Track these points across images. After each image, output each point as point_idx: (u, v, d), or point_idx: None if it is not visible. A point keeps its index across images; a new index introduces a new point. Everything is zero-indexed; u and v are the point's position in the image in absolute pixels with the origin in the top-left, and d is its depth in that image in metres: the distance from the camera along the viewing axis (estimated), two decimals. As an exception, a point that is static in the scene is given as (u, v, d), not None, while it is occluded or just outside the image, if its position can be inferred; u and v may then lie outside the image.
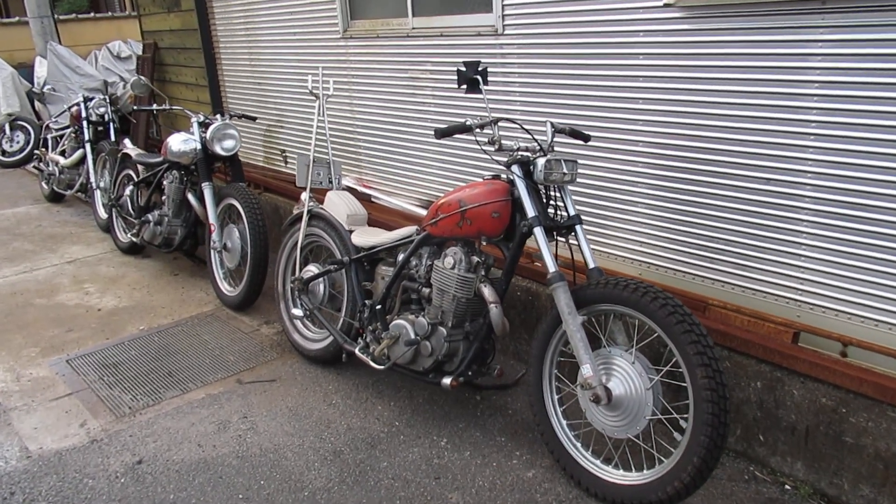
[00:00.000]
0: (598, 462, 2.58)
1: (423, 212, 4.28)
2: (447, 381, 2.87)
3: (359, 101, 4.61)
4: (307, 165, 3.66)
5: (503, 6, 3.47)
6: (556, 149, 2.80)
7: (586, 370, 2.42)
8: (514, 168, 2.65)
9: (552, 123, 2.78)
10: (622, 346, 2.50)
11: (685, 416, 2.32)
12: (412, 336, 2.94)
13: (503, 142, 2.67)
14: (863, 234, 2.48)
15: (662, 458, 2.39)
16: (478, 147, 3.82)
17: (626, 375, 2.42)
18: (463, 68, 2.69)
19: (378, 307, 3.06)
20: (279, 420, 3.18)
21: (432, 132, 4.10)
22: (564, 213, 2.72)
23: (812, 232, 2.61)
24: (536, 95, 3.46)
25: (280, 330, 4.12)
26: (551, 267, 2.54)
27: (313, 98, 3.74)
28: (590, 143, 2.98)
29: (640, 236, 3.19)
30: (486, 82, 2.73)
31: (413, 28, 4.04)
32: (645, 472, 2.43)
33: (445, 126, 2.61)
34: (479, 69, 2.70)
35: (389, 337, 2.99)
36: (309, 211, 3.60)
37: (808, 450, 2.55)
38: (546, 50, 3.35)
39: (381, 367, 3.07)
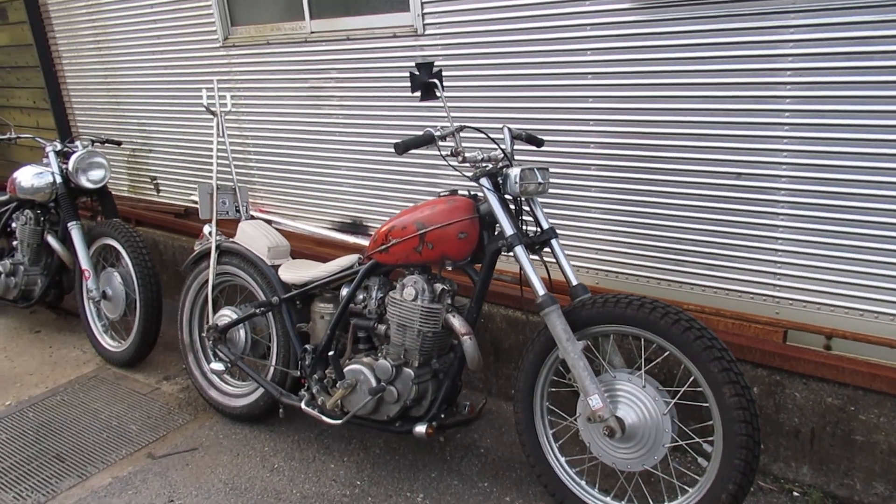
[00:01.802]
0: (608, 500, 2.33)
1: (339, 235, 3.87)
2: (420, 428, 2.51)
3: (248, 116, 4.11)
4: (210, 194, 3.15)
5: (422, 4, 3.15)
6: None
7: (595, 402, 2.16)
8: (484, 181, 2.34)
9: (509, 129, 2.50)
10: (625, 370, 2.27)
11: (709, 439, 2.12)
12: (374, 383, 2.55)
13: (466, 153, 2.35)
14: (844, 224, 2.41)
15: (687, 488, 2.18)
16: (401, 160, 3.52)
17: (638, 401, 2.18)
18: (416, 72, 2.34)
19: (330, 353, 2.63)
20: (215, 499, 2.67)
21: (342, 147, 3.73)
22: (534, 228, 2.46)
23: (789, 225, 2.51)
24: (467, 100, 3.17)
25: (186, 385, 3.56)
26: (540, 290, 2.26)
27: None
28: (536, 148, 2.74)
29: (595, 243, 2.99)
30: (442, 87, 2.40)
31: (312, 32, 3.62)
32: (667, 504, 2.21)
33: (405, 139, 2.25)
34: (434, 71, 2.36)
35: (345, 386, 2.58)
36: (218, 246, 3.09)
37: (813, 452, 2.44)
38: (477, 50, 3.07)
39: (337, 421, 2.65)
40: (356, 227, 3.85)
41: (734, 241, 2.64)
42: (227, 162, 3.27)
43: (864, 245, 2.38)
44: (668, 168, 2.72)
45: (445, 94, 2.39)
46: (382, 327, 2.62)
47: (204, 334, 3.15)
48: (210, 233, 3.19)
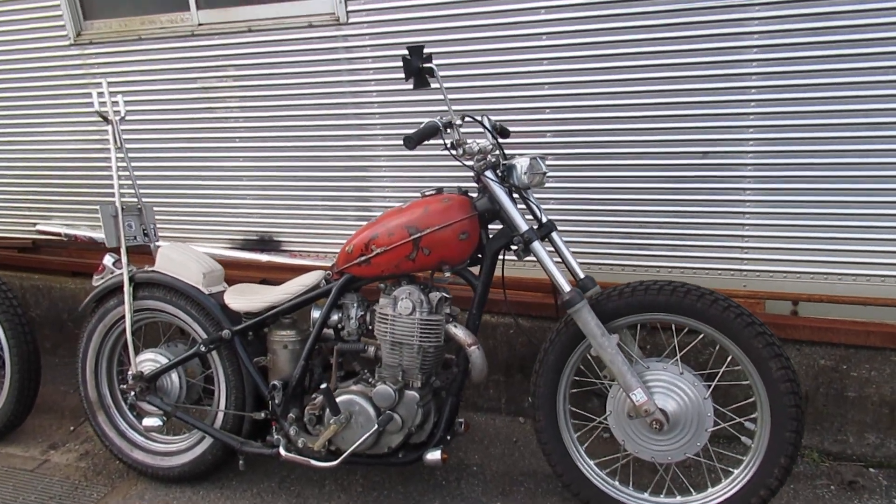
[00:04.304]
0: (645, 496, 2.23)
1: (245, 255, 3.43)
2: (434, 455, 2.26)
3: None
4: (114, 216, 2.61)
5: (346, -12, 2.86)
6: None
7: (639, 396, 2.06)
8: (489, 174, 2.15)
9: (488, 119, 2.33)
10: (655, 359, 2.19)
11: (752, 417, 2.11)
12: (372, 413, 2.25)
13: (466, 145, 2.14)
14: (808, 193, 2.53)
15: (730, 469, 2.15)
16: (321, 165, 3.17)
17: (677, 389, 2.11)
18: (408, 56, 2.08)
19: (322, 385, 2.26)
20: (187, 582, 2.21)
21: (244, 155, 3.31)
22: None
23: (755, 199, 2.60)
24: (400, 94, 2.93)
25: (85, 452, 2.95)
26: (565, 286, 2.12)
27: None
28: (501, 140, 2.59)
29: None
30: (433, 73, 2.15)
31: (200, 24, 3.16)
32: (711, 490, 2.16)
33: (414, 132, 2.00)
34: (425, 55, 2.11)
35: (339, 421, 2.25)
36: (132, 278, 2.57)
37: (807, 415, 2.54)
38: (412, 38, 2.84)
39: (330, 463, 2.30)
40: (265, 244, 3.43)
41: (701, 219, 2.68)
42: (130, 175, 2.72)
43: (827, 212, 2.52)
44: (631, 152, 2.70)
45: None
46: (372, 349, 2.32)
47: (125, 386, 2.61)
48: (115, 263, 2.66)
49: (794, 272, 2.61)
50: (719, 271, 2.71)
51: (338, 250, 3.23)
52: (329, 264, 3.03)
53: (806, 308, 2.62)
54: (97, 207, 3.61)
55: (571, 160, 2.77)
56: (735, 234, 2.65)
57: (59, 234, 3.84)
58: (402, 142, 2.89)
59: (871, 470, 2.46)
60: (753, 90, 2.48)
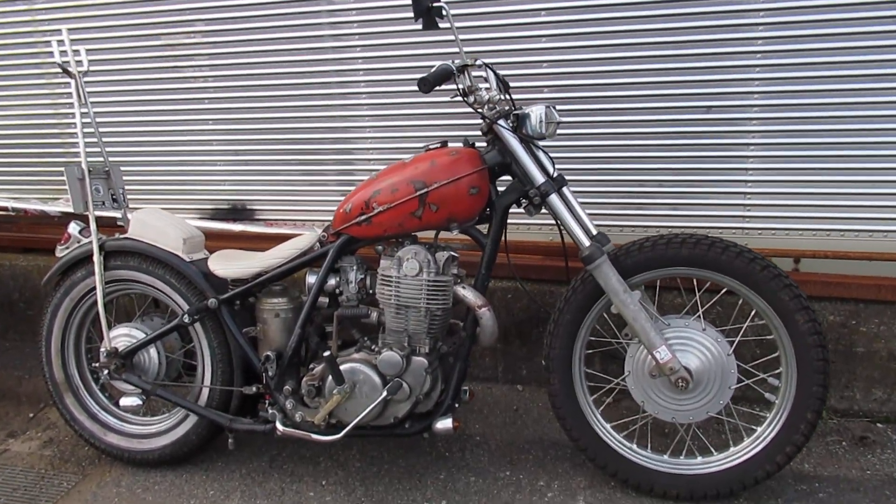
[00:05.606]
0: (665, 458, 2.15)
1: (216, 224, 3.21)
2: (444, 423, 2.15)
3: (68, 89, 3.23)
4: (80, 179, 2.38)
5: (328, -66, 2.67)
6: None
7: (663, 354, 1.98)
8: (503, 123, 2.02)
9: (490, 67, 2.19)
10: (675, 316, 2.10)
11: (776, 372, 2.05)
12: (378, 381, 2.11)
13: (478, 93, 2.01)
14: (811, 148, 2.49)
15: (753, 427, 2.09)
16: (299, 127, 2.97)
17: (700, 346, 2.03)
18: (417, -6, 1.92)
19: (326, 353, 2.09)
20: (180, 571, 2.03)
21: (213, 117, 3.09)
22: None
23: (759, 155, 2.54)
24: (388, 49, 2.76)
25: (49, 439, 2.71)
26: (585, 240, 2.01)
27: None
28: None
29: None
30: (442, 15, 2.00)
31: (166, -25, 2.92)
32: (734, 448, 2.10)
33: (428, 75, 1.85)
34: (436, -6, 1.96)
35: (343, 392, 2.09)
36: (102, 246, 2.35)
37: (815, 372, 2.51)
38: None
39: (333, 437, 2.15)
40: (237, 213, 3.22)
41: (703, 176, 2.61)
42: (96, 134, 2.47)
43: (831, 167, 2.48)
44: (631, 107, 2.61)
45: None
46: (375, 314, 2.17)
47: (97, 364, 2.39)
48: (81, 231, 2.44)
49: (797, 229, 2.57)
50: (721, 229, 2.65)
51: (317, 219, 3.10)
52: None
53: (811, 265, 2.58)
54: (47, 179, 3.40)
55: (568, 116, 2.66)
56: (738, 191, 2.59)
57: (5, 209, 3.53)
58: (389, 102, 2.83)
59: (879, 425, 2.45)
60: (760, 41, 2.41)
